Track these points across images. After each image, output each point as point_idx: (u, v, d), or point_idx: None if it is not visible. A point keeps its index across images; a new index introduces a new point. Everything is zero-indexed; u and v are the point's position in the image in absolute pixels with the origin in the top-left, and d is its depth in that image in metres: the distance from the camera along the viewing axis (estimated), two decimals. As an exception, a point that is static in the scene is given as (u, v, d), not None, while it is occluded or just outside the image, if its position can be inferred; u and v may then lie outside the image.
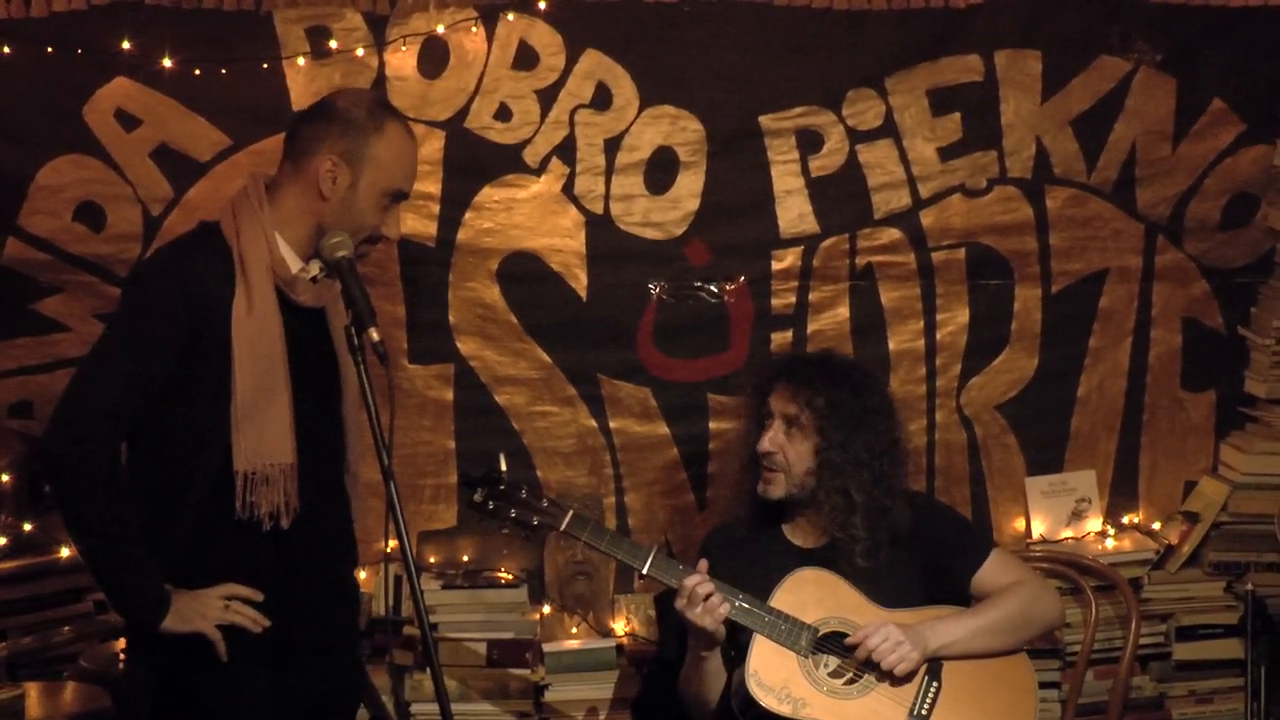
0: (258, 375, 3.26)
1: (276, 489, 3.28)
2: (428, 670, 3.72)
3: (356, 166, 3.32)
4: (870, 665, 3.61)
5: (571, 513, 3.67)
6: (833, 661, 3.63)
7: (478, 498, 3.66)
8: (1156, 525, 4.72)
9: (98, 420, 3.19)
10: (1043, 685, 4.19)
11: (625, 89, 4.32)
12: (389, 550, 3.32)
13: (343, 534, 3.55)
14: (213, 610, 3.27)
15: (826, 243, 4.46)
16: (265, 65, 4.14)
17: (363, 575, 4.34)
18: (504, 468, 3.65)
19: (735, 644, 3.68)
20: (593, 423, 4.48)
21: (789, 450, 3.74)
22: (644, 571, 3.64)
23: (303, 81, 4.17)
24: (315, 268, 3.33)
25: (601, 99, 4.32)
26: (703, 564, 3.66)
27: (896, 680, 3.61)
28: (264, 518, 3.28)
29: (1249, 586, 4.56)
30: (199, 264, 3.27)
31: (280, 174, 3.38)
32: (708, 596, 3.56)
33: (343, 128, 3.32)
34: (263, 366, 3.26)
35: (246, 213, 3.31)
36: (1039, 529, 4.64)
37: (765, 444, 3.75)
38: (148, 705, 3.36)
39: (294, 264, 3.34)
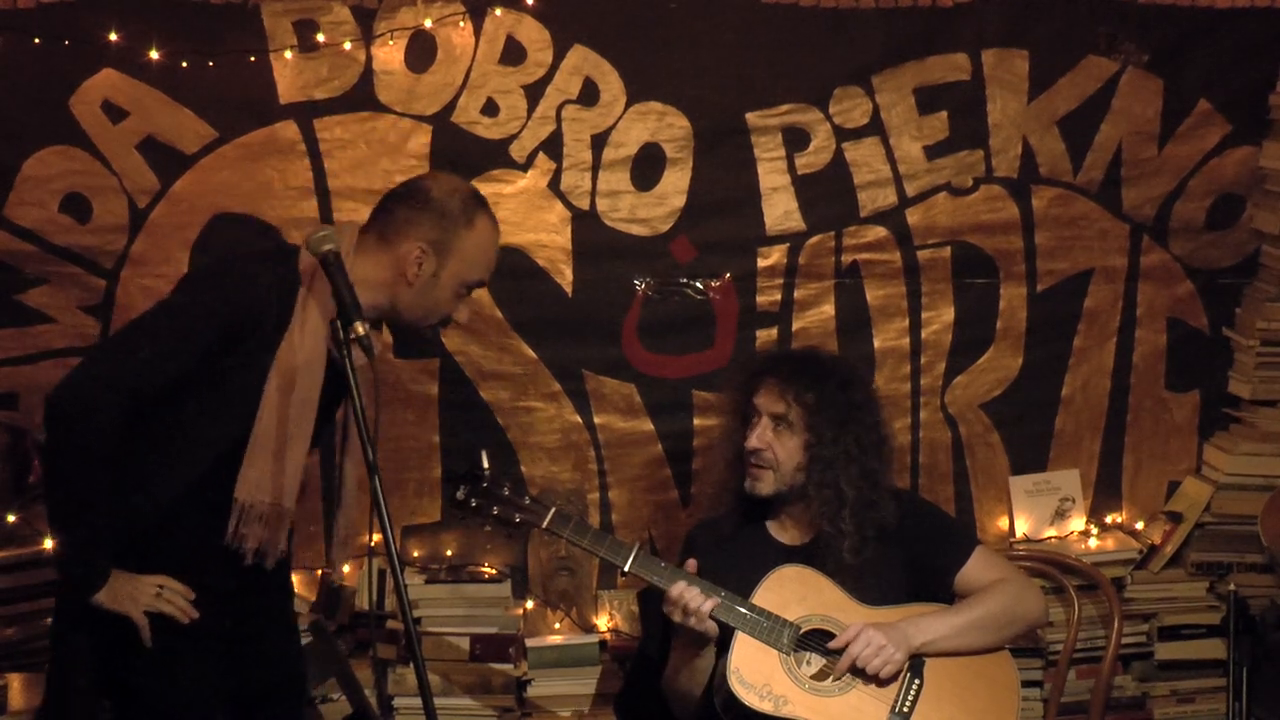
0: (288, 416, 3.28)
1: (269, 528, 3.32)
2: (411, 664, 3.71)
3: (443, 256, 3.36)
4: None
5: (554, 510, 3.65)
6: (815, 659, 3.63)
7: (460, 495, 3.65)
8: (1140, 525, 4.73)
9: (113, 391, 3.18)
10: (1025, 684, 4.19)
11: (612, 85, 4.31)
12: (373, 544, 3.31)
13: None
14: (144, 595, 3.29)
15: (812, 240, 4.46)
16: (252, 58, 4.14)
17: (346, 569, 4.36)
18: (486, 465, 3.64)
19: (717, 641, 3.68)
20: (577, 418, 4.48)
21: (777, 447, 3.73)
22: (626, 569, 3.63)
23: (290, 75, 4.17)
24: (361, 328, 3.20)
25: (589, 95, 4.32)
26: (691, 563, 3.65)
27: (879, 678, 3.62)
28: (248, 553, 3.32)
29: (1231, 587, 4.58)
30: (265, 283, 3.27)
31: (365, 238, 3.38)
32: (699, 607, 3.55)
33: (436, 219, 3.35)
34: (295, 410, 3.29)
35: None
36: (1022, 528, 4.65)
37: (754, 441, 3.74)
38: (84, 674, 3.37)
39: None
